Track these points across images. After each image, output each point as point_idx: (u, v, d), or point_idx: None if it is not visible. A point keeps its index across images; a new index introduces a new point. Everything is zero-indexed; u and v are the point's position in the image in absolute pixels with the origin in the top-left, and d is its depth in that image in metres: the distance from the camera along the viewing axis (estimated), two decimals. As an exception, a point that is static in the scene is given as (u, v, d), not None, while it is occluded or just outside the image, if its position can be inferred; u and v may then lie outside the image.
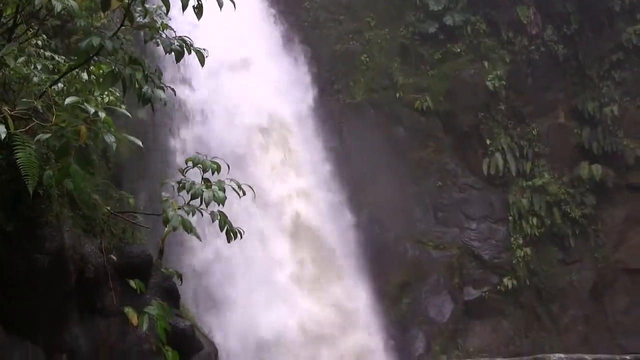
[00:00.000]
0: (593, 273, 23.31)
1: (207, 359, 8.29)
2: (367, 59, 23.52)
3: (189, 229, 5.91)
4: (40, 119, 5.32)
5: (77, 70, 6.19)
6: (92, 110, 5.12)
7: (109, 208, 6.34)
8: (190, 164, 6.15)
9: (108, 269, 6.15)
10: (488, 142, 23.17)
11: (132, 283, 6.10)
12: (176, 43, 6.03)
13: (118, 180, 16.28)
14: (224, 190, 5.93)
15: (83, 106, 5.18)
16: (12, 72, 5.70)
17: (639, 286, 23.57)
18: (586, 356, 8.50)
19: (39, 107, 5.33)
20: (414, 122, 23.24)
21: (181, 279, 6.85)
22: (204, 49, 6.26)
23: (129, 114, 5.77)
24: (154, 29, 6.29)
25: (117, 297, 6.13)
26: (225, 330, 18.07)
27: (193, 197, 5.93)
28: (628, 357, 8.20)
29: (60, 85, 6.17)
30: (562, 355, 8.63)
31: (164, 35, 6.15)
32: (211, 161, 6.11)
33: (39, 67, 6.20)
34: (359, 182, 22.48)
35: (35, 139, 5.02)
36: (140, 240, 6.61)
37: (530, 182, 23.10)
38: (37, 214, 5.34)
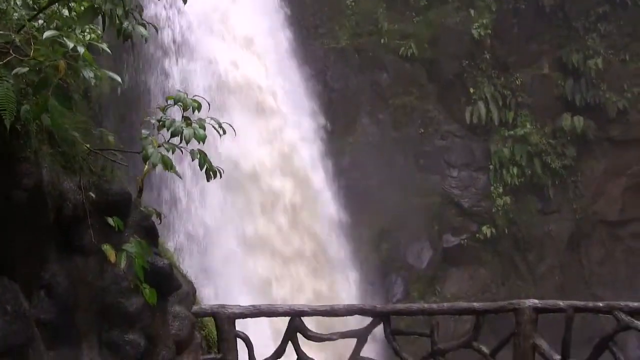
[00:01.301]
0: (571, 224, 23.54)
1: (186, 298, 8.30)
2: (353, 4, 23.32)
3: (168, 166, 5.89)
4: (19, 54, 5.23)
5: (57, 5, 6.08)
6: (71, 45, 5.04)
7: (88, 145, 6.27)
8: (170, 101, 6.11)
9: (87, 207, 6.09)
10: (471, 90, 23.15)
11: (111, 221, 6.07)
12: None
13: (99, 121, 16.22)
14: (204, 129, 5.91)
15: (62, 41, 5.09)
16: (-10, 6, 5.62)
17: (616, 238, 23.86)
18: (560, 302, 8.58)
19: (17, 41, 5.23)
20: (398, 69, 23.14)
21: (160, 218, 6.82)
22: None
23: (109, 51, 5.68)
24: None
25: (96, 234, 6.09)
26: None
27: (173, 135, 5.90)
28: (601, 304, 8.28)
29: (40, 21, 6.06)
30: (537, 301, 8.71)
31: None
32: (192, 99, 6.07)
33: (18, 2, 6.07)
34: (342, 127, 22.47)
35: (13, 73, 4.94)
36: (119, 179, 6.56)
37: (512, 132, 23.17)
38: (14, 149, 5.27)
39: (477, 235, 22.69)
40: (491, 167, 23.06)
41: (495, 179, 23.02)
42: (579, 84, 23.53)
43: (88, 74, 5.04)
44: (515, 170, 22.94)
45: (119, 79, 5.23)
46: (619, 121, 23.77)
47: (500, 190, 22.89)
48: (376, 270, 21.61)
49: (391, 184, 22.49)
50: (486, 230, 22.61)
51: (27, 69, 4.98)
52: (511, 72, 23.75)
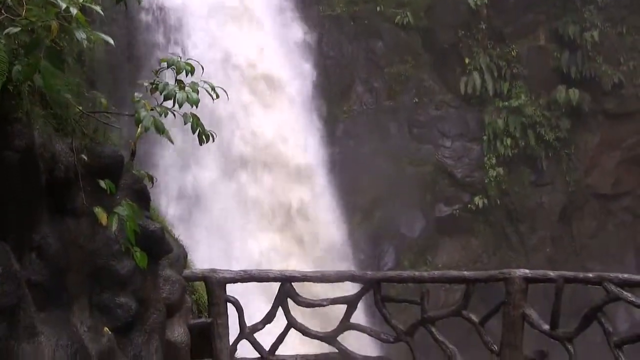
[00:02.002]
0: (563, 196, 23.59)
1: (177, 262, 8.32)
2: (349, -29, 23.18)
3: (161, 130, 5.87)
4: (11, 14, 5.18)
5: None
6: (64, 6, 5.00)
7: (80, 107, 6.24)
8: (164, 64, 6.09)
9: (79, 169, 6.07)
10: (467, 60, 23.08)
11: (103, 183, 6.06)
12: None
13: (92, 84, 16.16)
14: (197, 92, 5.88)
15: (55, 1, 5.05)
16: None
17: (608, 211, 23.93)
18: (551, 273, 8.61)
19: (9, 1, 5.18)
20: (393, 37, 23.04)
21: (152, 182, 6.82)
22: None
23: (102, 13, 5.64)
24: None
25: (87, 197, 6.08)
26: None
27: (166, 98, 5.88)
28: (591, 275, 8.32)
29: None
30: (527, 271, 8.73)
31: None
32: (185, 63, 6.04)
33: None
34: (336, 95, 22.44)
35: (5, 33, 4.90)
36: (112, 141, 6.54)
37: (506, 103, 23.13)
38: (6, 110, 5.24)
39: (470, 205, 22.74)
40: (485, 137, 23.05)
41: (489, 149, 23.03)
42: (575, 56, 23.48)
43: (81, 35, 5.01)
44: (509, 141, 22.95)
45: (112, 41, 5.19)
46: (614, 94, 23.75)
47: (494, 161, 22.90)
48: (368, 239, 21.67)
49: (384, 153, 22.50)
50: (478, 200, 22.65)
51: (19, 29, 4.94)
52: (507, 43, 23.66)
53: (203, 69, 6.10)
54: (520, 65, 23.57)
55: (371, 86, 22.99)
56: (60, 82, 5.94)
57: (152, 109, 5.93)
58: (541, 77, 23.73)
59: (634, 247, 23.84)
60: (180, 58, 6.08)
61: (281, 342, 9.66)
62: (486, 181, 22.83)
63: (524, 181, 23.33)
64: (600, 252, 23.54)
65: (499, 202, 22.91)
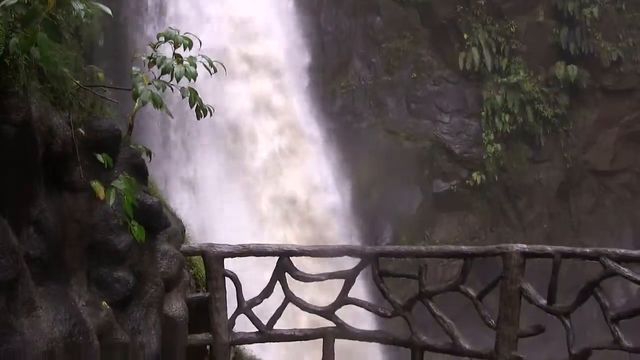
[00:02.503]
0: (561, 173, 23.62)
1: (175, 236, 8.32)
2: (347, -55, 23.05)
3: (158, 104, 5.84)
4: (7, -14, 5.13)
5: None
6: (61, -22, 4.96)
7: (78, 81, 6.22)
8: (162, 38, 6.05)
9: (76, 143, 6.05)
10: (465, 36, 23.01)
11: (100, 158, 6.04)
12: None
13: (89, 59, 16.10)
14: (195, 66, 5.86)
15: (51, -27, 5.01)
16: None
17: (605, 188, 23.97)
18: (548, 247, 8.60)
19: (6, -26, 5.14)
20: (391, 12, 22.95)
21: (150, 156, 6.80)
22: None
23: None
24: None
25: (85, 171, 6.06)
26: None
27: (164, 72, 5.85)
28: (588, 250, 8.33)
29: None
30: (525, 246, 8.74)
31: None
32: (183, 36, 6.01)
33: None
34: (334, 70, 22.40)
35: (1, 5, 4.86)
36: (109, 115, 6.52)
37: (505, 79, 23.10)
38: (2, 84, 5.21)
39: (467, 181, 22.76)
40: (483, 113, 23.03)
41: (487, 125, 23.01)
42: (574, 33, 23.41)
43: (78, 5, 4.97)
44: (507, 117, 22.94)
45: (109, 12, 5.15)
46: (613, 71, 23.73)
47: (492, 137, 22.89)
48: (365, 215, 21.69)
49: (382, 128, 22.49)
50: (476, 176, 22.67)
51: (15, 1, 4.91)
52: (506, 18, 23.58)
53: (201, 43, 6.07)
54: (519, 41, 23.50)
55: (369, 62, 22.94)
56: (57, 55, 5.91)
57: (149, 83, 5.90)
58: (540, 53, 23.67)
59: (631, 224, 23.90)
60: (179, 32, 6.04)
61: (279, 316, 9.70)
62: (484, 157, 22.83)
63: (522, 157, 23.34)
64: (598, 228, 23.61)
65: (496, 178, 22.92)
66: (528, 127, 23.15)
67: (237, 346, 10.10)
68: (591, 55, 23.35)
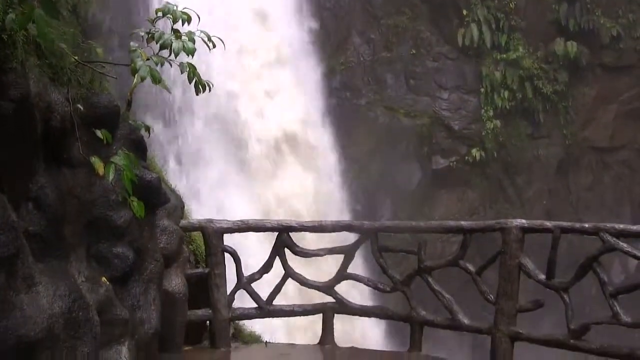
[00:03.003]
0: (560, 149, 23.58)
1: (174, 212, 8.34)
2: None
3: (157, 79, 5.83)
4: (4, -39, 5.12)
5: None
6: (59, -48, 4.93)
7: (76, 57, 6.20)
8: (160, 14, 6.03)
9: (75, 119, 6.05)
10: (464, 12, 22.87)
11: (99, 133, 6.04)
12: None
13: (87, 37, 16.02)
14: (193, 42, 5.83)
15: (49, -52, 4.98)
16: None
17: (604, 164, 23.95)
18: (547, 223, 8.63)
19: (3, -51, 5.12)
20: (390, -13, 22.86)
21: (149, 132, 6.80)
22: None
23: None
24: None
25: (84, 147, 6.06)
26: None
27: (162, 48, 5.83)
28: (587, 225, 8.34)
29: None
30: (524, 221, 8.76)
31: None
32: (181, 12, 5.98)
33: None
34: (333, 46, 22.34)
35: (-2, -19, 4.84)
36: (108, 91, 6.51)
37: (504, 55, 22.98)
38: (0, 60, 5.20)
39: (467, 157, 22.72)
40: (482, 90, 22.95)
41: (486, 102, 22.94)
42: (574, 9, 23.28)
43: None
44: (506, 94, 22.85)
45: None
46: (612, 47, 23.62)
47: (491, 113, 22.83)
48: (364, 191, 21.70)
49: (381, 105, 22.45)
50: (475, 153, 22.63)
51: (12, -24, 4.89)
52: (505, -6, 23.48)
53: (199, 18, 6.04)
54: (518, 18, 23.37)
55: (368, 38, 22.85)
56: (55, 32, 5.89)
57: (148, 59, 5.88)
58: (539, 29, 23.56)
59: (629, 200, 23.91)
60: (176, 7, 6.01)
61: (278, 291, 9.73)
62: (483, 133, 22.78)
63: (521, 134, 23.29)
64: (597, 205, 23.61)
65: (496, 154, 22.88)
66: (527, 104, 23.09)
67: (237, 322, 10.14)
68: (591, 32, 23.23)
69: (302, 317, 10.28)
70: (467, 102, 23.04)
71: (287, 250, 9.66)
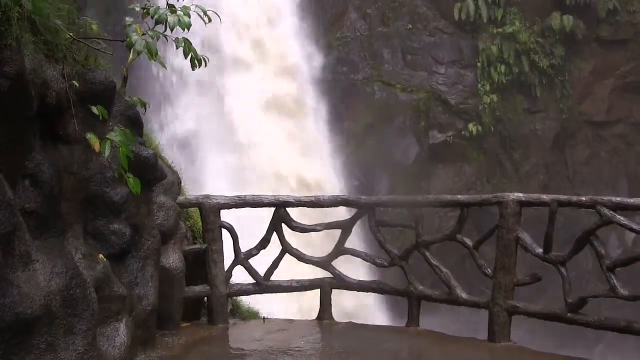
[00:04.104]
0: (557, 123, 23.58)
1: (171, 188, 8.32)
2: None
3: (153, 53, 5.79)
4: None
5: None
6: None
7: (71, 34, 6.16)
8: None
9: (70, 95, 6.01)
10: (460, -14, 22.83)
11: (95, 110, 6.00)
12: None
13: (83, 13, 15.93)
14: (189, 16, 5.79)
15: None
16: None
17: (600, 138, 23.95)
18: (544, 196, 8.60)
19: None
20: (386, -36, 22.77)
21: (145, 108, 6.77)
22: None
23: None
24: None
25: (80, 124, 6.02)
26: None
27: (157, 23, 5.79)
28: (584, 199, 8.31)
29: None
30: (521, 195, 8.73)
31: None
32: (176, -14, 5.95)
33: None
34: (329, 21, 22.27)
35: (-8, -44, 4.79)
36: (104, 67, 6.47)
37: (500, 30, 22.94)
38: (-5, 37, 5.16)
39: (463, 132, 22.72)
40: (479, 64, 22.92)
41: (483, 76, 22.92)
42: (570, -18, 23.23)
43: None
44: (502, 68, 22.83)
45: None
46: (609, 21, 23.56)
47: (488, 88, 22.81)
48: (361, 166, 21.70)
49: (378, 79, 22.42)
50: (472, 127, 22.63)
51: (6, -49, 4.84)
52: (501, -32, 23.38)
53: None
54: (515, -8, 23.33)
55: (364, 13, 22.80)
56: (50, 7, 5.85)
57: (143, 34, 5.84)
58: (535, 3, 23.48)
59: (626, 174, 23.92)
60: (172, -17, 5.97)
61: (276, 267, 9.72)
62: (480, 108, 22.78)
63: (518, 108, 23.28)
64: (593, 179, 23.63)
65: (492, 129, 22.89)
66: (524, 78, 23.07)
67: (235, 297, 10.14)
68: (587, 6, 23.17)
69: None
70: (463, 76, 23.01)
71: (284, 226, 9.65)
